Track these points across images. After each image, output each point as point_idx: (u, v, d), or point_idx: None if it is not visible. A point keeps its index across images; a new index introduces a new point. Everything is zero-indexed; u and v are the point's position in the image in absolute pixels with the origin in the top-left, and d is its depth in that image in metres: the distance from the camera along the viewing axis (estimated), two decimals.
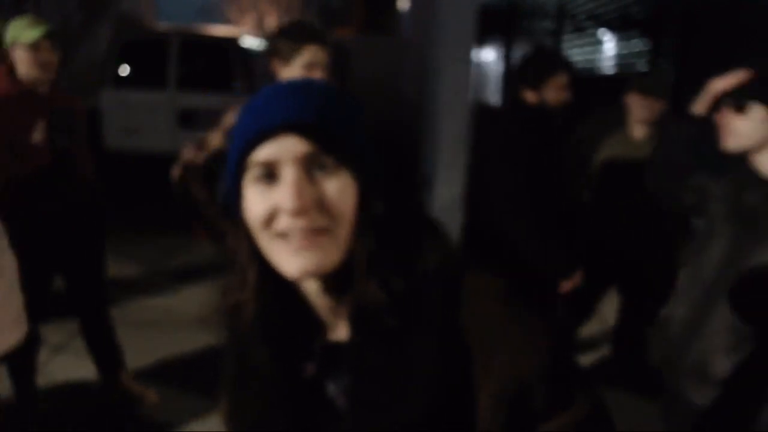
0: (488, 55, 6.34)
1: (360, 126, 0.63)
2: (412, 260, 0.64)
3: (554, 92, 2.23)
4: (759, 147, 1.34)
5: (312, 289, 0.65)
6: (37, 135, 2.19)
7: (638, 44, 6.82)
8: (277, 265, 0.61)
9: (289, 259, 0.59)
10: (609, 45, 8.04)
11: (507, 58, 6.58)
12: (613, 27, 7.02)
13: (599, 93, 6.54)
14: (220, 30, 8.22)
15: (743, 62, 1.63)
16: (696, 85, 5.92)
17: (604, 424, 0.65)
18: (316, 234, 0.59)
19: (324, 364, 0.66)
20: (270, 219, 0.60)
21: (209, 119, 6.45)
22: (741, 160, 1.44)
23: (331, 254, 0.60)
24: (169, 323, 3.40)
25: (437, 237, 0.66)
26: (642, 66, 6.80)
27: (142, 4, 11.48)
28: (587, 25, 7.16)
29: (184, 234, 4.35)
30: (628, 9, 7.58)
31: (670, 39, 6.79)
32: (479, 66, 6.24)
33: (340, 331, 0.66)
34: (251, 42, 7.02)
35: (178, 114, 6.35)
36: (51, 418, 2.49)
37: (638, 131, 2.63)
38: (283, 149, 0.59)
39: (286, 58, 1.78)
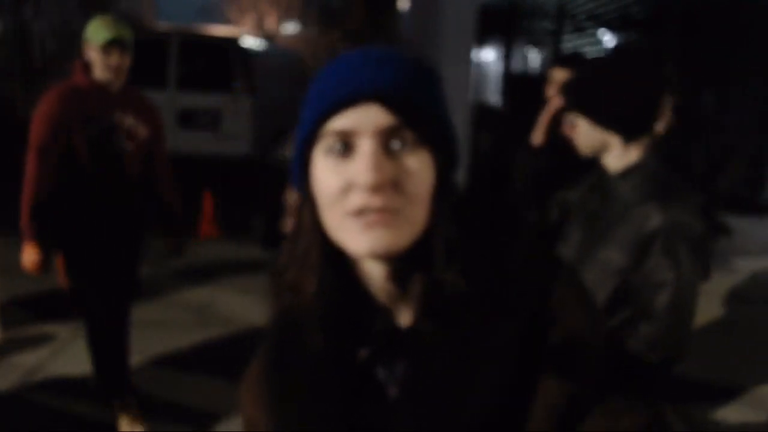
0: (488, 55, 6.34)
1: (443, 101, 0.59)
2: (496, 251, 0.60)
3: (552, 87, 2.34)
4: (599, 150, 1.41)
5: (376, 272, 0.60)
6: (90, 133, 2.18)
7: (638, 44, 6.82)
8: (344, 243, 0.56)
9: (359, 237, 0.54)
10: (609, 45, 8.05)
11: (507, 58, 6.59)
12: (613, 27, 7.03)
13: None
14: (219, 30, 8.22)
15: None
16: (697, 85, 5.94)
17: None
18: (389, 213, 0.54)
19: (379, 348, 0.61)
20: (343, 195, 0.55)
21: (208, 119, 6.49)
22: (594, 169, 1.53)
23: (404, 235, 0.55)
24: (168, 323, 3.41)
25: (527, 232, 0.62)
26: None
27: (142, 4, 11.49)
28: (587, 25, 7.15)
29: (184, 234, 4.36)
30: (628, 9, 7.58)
31: (670, 39, 6.79)
32: (479, 66, 6.25)
33: (402, 317, 0.62)
34: (251, 42, 7.02)
35: (178, 114, 6.36)
36: (52, 416, 2.49)
37: None
38: (364, 119, 0.54)
39: None
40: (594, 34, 7.72)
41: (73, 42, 9.49)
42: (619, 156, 1.40)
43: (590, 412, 0.58)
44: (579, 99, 1.41)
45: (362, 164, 0.53)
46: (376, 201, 0.53)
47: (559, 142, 1.72)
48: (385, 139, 0.55)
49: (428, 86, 0.57)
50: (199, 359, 3.01)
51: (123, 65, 2.20)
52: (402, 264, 0.58)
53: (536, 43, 7.11)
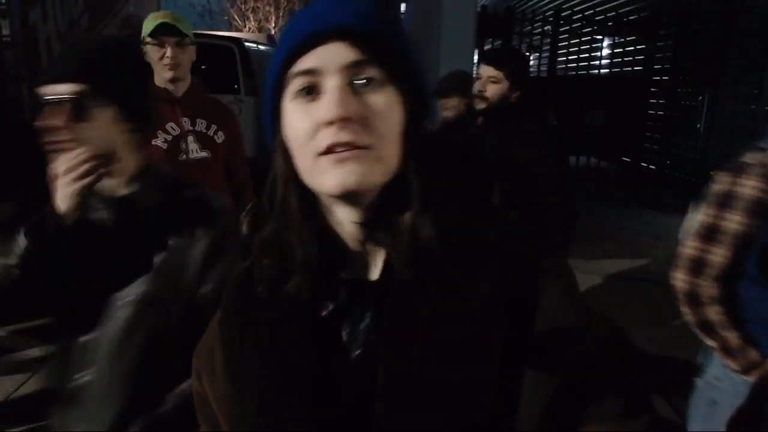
0: None
1: (410, 42, 0.58)
2: (472, 197, 0.59)
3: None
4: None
5: (349, 218, 0.59)
6: (160, 141, 1.93)
7: (634, 46, 6.90)
8: (317, 184, 0.56)
9: (331, 172, 0.54)
10: (605, 47, 8.11)
11: None
12: (609, 29, 7.10)
13: (595, 94, 6.63)
14: (222, 33, 8.31)
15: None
16: (690, 86, 6.04)
17: None
18: (360, 149, 0.53)
19: (345, 303, 0.60)
20: (312, 136, 0.54)
21: None
22: None
23: (375, 172, 0.54)
24: None
25: (503, 179, 0.64)
26: (637, 67, 6.87)
27: (145, 8, 11.59)
28: (583, 26, 7.22)
29: None
30: (623, 11, 7.65)
31: (665, 41, 6.86)
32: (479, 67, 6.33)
33: (373, 271, 0.60)
34: (253, 45, 7.12)
35: None
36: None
37: None
38: (328, 57, 0.54)
39: None
40: (590, 36, 7.79)
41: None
42: None
43: (584, 412, 0.56)
44: None
45: (328, 100, 0.53)
46: (343, 136, 0.53)
47: None
48: (352, 76, 0.54)
49: (393, 25, 0.57)
50: None
51: (180, 59, 1.91)
52: (374, 209, 0.57)
53: (533, 46, 7.18)
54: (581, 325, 0.58)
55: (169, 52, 1.88)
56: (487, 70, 2.14)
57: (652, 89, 7.04)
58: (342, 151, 0.53)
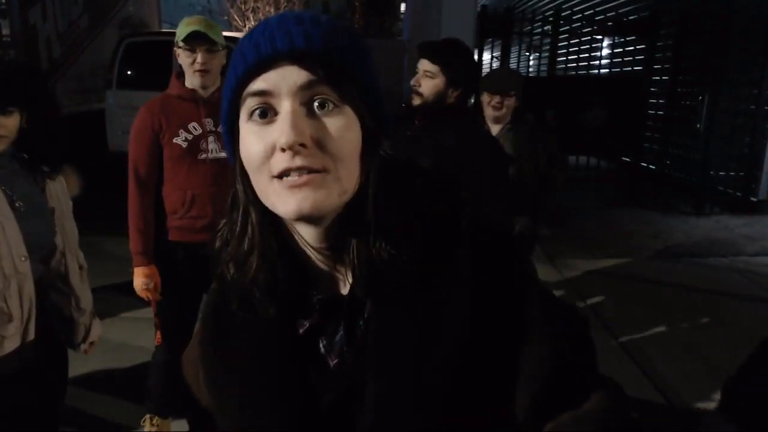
0: (486, 57, 6.42)
1: (368, 62, 0.57)
2: (432, 218, 0.58)
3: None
4: None
5: (312, 238, 0.59)
6: (180, 140, 2.01)
7: (633, 46, 6.91)
8: (273, 206, 0.55)
9: (286, 198, 0.53)
10: (605, 47, 8.12)
11: (505, 60, 6.67)
12: (608, 29, 7.10)
13: (595, 94, 6.64)
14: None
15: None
16: (690, 86, 6.04)
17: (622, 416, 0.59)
18: (315, 174, 0.53)
19: (318, 319, 0.61)
20: (266, 159, 0.54)
21: None
22: None
23: (331, 195, 0.54)
24: None
25: (464, 200, 0.61)
26: (637, 68, 6.88)
27: (145, 8, 11.58)
28: (583, 27, 7.22)
29: None
30: (623, 12, 7.65)
31: (665, 42, 6.86)
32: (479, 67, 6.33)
33: (341, 286, 0.61)
34: None
35: None
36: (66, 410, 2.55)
37: (493, 129, 2.68)
38: (282, 78, 0.53)
39: None
40: (590, 37, 7.78)
41: (78, 45, 9.58)
42: None
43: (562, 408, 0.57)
44: None
45: (281, 123, 0.53)
46: (297, 161, 0.52)
47: None
48: (307, 99, 0.54)
49: (348, 45, 0.56)
50: None
51: (210, 65, 2.00)
52: (335, 229, 0.57)
53: (533, 46, 7.18)
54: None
55: (199, 58, 1.97)
56: (423, 64, 1.97)
57: (651, 89, 7.04)
58: (297, 175, 0.53)
